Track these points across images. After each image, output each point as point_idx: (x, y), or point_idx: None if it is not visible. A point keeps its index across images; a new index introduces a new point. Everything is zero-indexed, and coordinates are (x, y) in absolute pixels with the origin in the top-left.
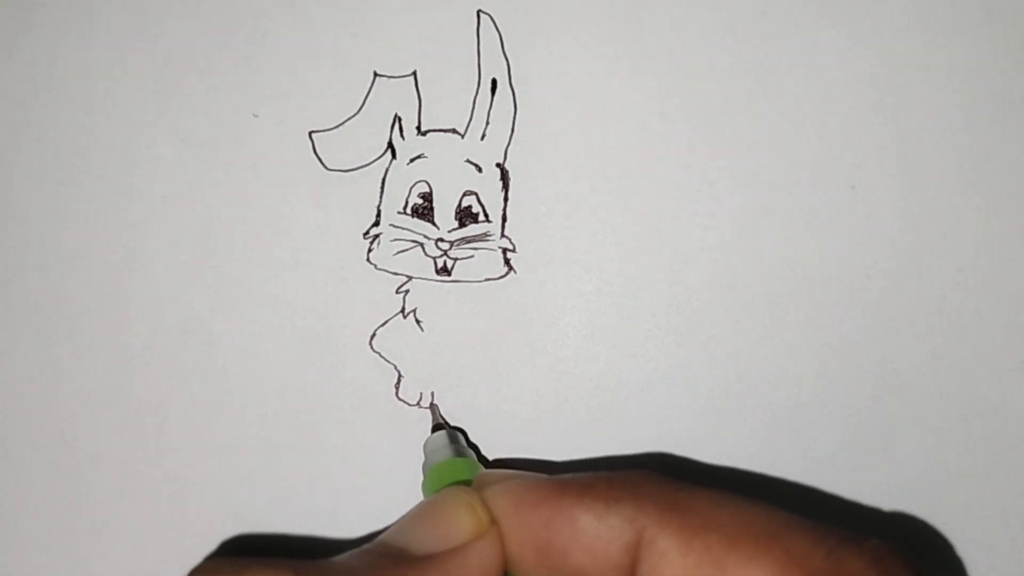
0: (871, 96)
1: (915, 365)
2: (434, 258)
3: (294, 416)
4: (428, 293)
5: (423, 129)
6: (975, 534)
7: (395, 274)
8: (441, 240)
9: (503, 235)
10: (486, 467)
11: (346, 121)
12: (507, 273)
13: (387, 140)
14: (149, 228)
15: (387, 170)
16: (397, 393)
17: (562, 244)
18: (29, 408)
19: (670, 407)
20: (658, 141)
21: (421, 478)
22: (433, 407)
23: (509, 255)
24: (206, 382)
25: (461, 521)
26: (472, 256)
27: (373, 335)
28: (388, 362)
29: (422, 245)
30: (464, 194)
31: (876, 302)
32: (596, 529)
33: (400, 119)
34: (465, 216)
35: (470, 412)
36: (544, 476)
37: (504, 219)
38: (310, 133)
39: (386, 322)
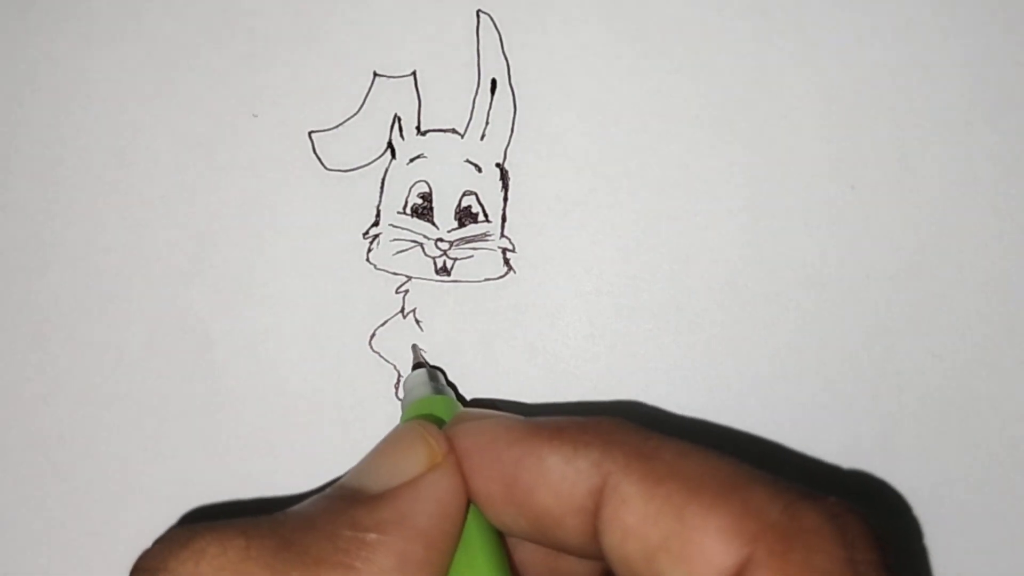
0: (871, 96)
1: (915, 365)
2: (434, 258)
3: (294, 416)
4: (428, 293)
5: (423, 129)
6: (970, 534)
7: (395, 274)
8: (441, 240)
9: (503, 235)
10: (464, 407)
11: (346, 121)
12: (507, 273)
13: (387, 140)
14: (148, 228)
15: (387, 170)
16: (397, 393)
17: (562, 244)
18: (29, 408)
19: (670, 407)
20: (658, 141)
21: None
22: (414, 347)
23: (509, 255)
24: (206, 382)
25: (414, 454)
26: (472, 256)
27: (373, 335)
28: (388, 362)
29: (422, 245)
30: (464, 194)
31: (876, 302)
32: (563, 471)
33: (400, 119)
34: (465, 216)
35: None
36: (518, 417)
37: (504, 219)
38: (310, 133)
39: (386, 322)
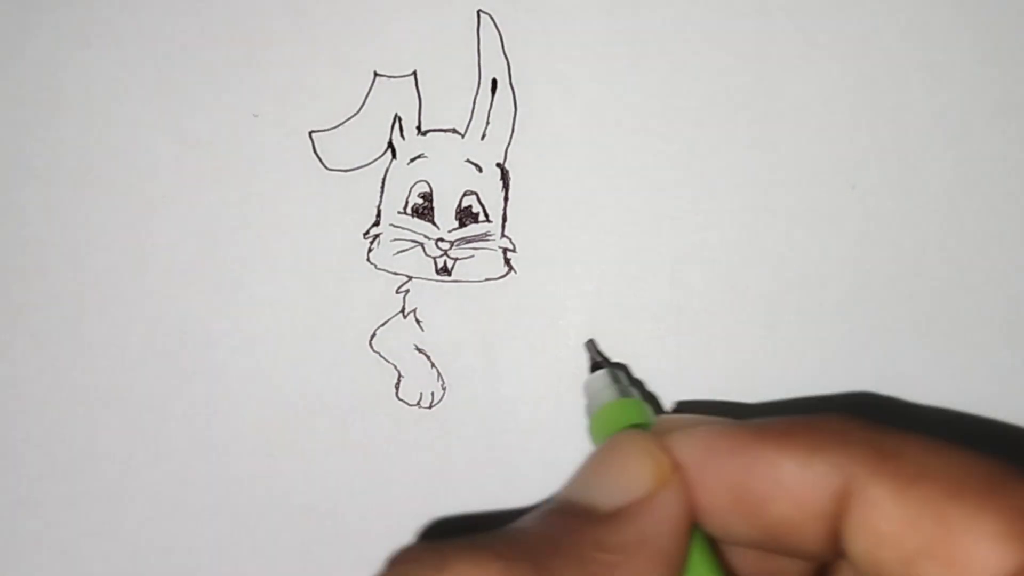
0: (871, 96)
1: (915, 365)
2: (434, 258)
3: (294, 416)
4: (428, 293)
5: (423, 129)
6: None
7: (395, 274)
8: (441, 240)
9: (503, 235)
10: (655, 405)
11: (346, 121)
12: (507, 273)
13: (387, 140)
14: (149, 228)
15: (387, 170)
16: (397, 393)
17: (562, 244)
18: (29, 408)
19: (670, 407)
20: (658, 141)
21: (427, 479)
22: (590, 343)
23: (509, 255)
24: (206, 382)
25: (642, 469)
26: (472, 256)
27: (373, 335)
28: (388, 362)
29: (422, 245)
30: (464, 194)
31: (876, 302)
32: (800, 476)
33: (400, 119)
34: (465, 216)
35: (470, 412)
36: (734, 421)
37: (504, 219)
38: (310, 133)
39: (386, 322)
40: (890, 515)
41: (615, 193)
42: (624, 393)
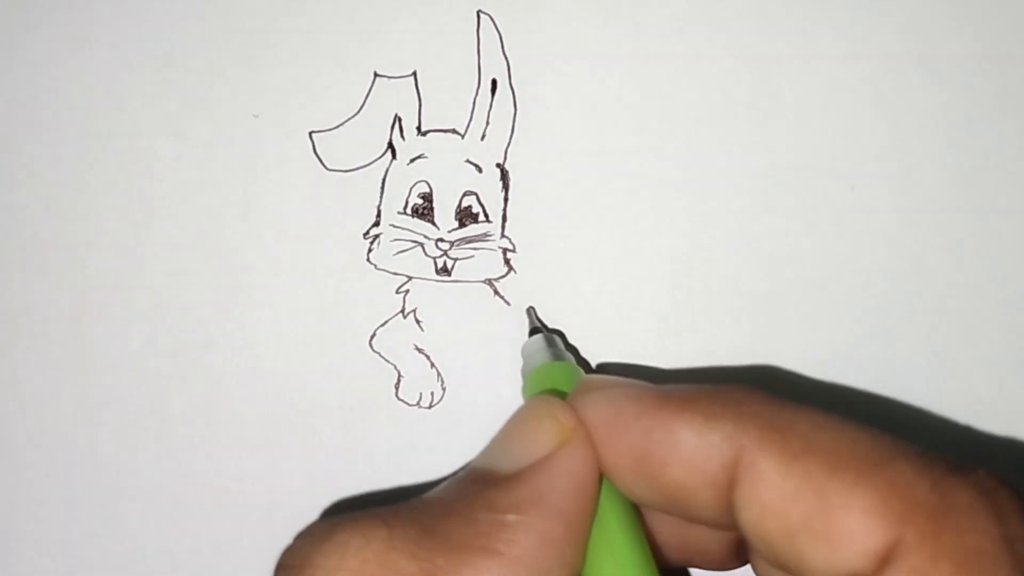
0: (871, 96)
1: (915, 365)
2: (434, 258)
3: (294, 416)
4: (428, 293)
5: (423, 129)
6: None
7: (395, 274)
8: (441, 240)
9: (503, 235)
10: (588, 371)
11: (346, 121)
12: (507, 273)
13: (387, 140)
14: (149, 228)
15: (387, 170)
16: (397, 393)
17: (562, 244)
18: (29, 408)
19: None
20: (658, 141)
21: (425, 475)
22: (530, 310)
23: (509, 255)
24: (206, 382)
25: (544, 431)
26: (472, 256)
27: (373, 335)
28: (388, 362)
29: (422, 245)
30: (464, 194)
31: (876, 302)
32: (695, 444)
33: (400, 119)
34: (465, 216)
35: (470, 412)
36: (646, 385)
37: (504, 219)
38: (310, 133)
39: (386, 322)
40: (775, 487)
41: (615, 193)
42: (556, 357)
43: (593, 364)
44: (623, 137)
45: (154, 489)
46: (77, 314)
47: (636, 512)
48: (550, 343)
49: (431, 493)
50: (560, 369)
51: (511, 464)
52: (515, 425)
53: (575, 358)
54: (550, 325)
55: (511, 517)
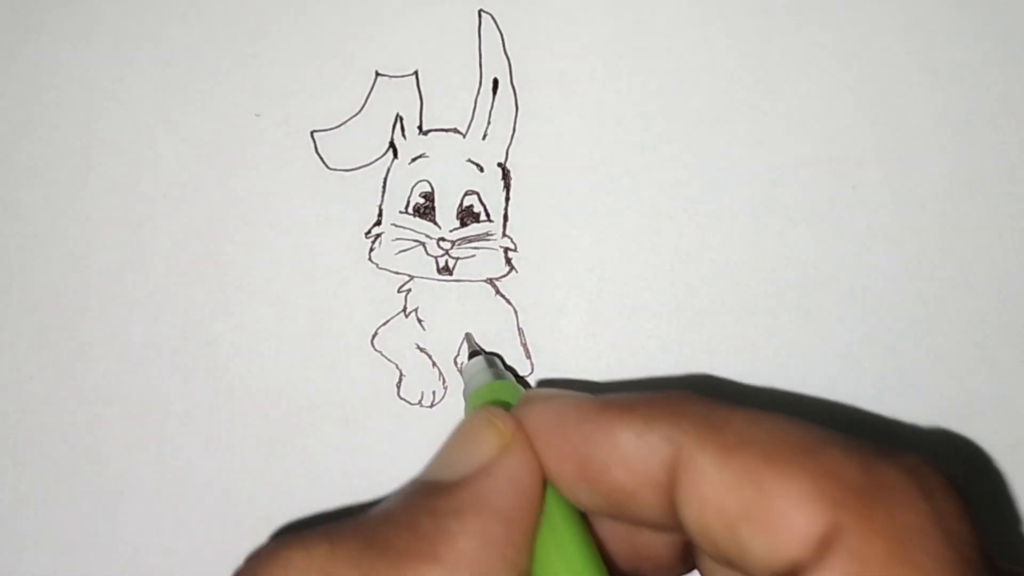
0: (871, 96)
1: (915, 365)
2: (436, 257)
3: (294, 416)
4: (430, 292)
5: (425, 129)
6: None
7: (397, 273)
8: (443, 239)
9: (504, 234)
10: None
11: (348, 120)
12: (509, 272)
13: (389, 139)
14: (151, 227)
15: (389, 170)
16: (399, 392)
17: (563, 243)
18: (29, 408)
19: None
20: (658, 141)
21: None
22: (468, 336)
23: (510, 254)
24: (207, 381)
25: (485, 439)
26: (474, 255)
27: (375, 334)
28: (390, 361)
29: (424, 244)
30: (466, 193)
31: (876, 302)
32: (635, 447)
33: (402, 118)
34: (467, 215)
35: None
36: (586, 395)
37: (505, 218)
38: (312, 132)
39: (388, 321)
40: (714, 482)
41: (616, 193)
42: (497, 376)
43: (593, 364)
44: (624, 136)
45: (154, 488)
46: (77, 313)
47: (585, 520)
48: (491, 364)
49: (375, 507)
50: (502, 387)
51: (454, 473)
52: (457, 436)
53: (514, 378)
54: (551, 325)
55: (451, 522)
